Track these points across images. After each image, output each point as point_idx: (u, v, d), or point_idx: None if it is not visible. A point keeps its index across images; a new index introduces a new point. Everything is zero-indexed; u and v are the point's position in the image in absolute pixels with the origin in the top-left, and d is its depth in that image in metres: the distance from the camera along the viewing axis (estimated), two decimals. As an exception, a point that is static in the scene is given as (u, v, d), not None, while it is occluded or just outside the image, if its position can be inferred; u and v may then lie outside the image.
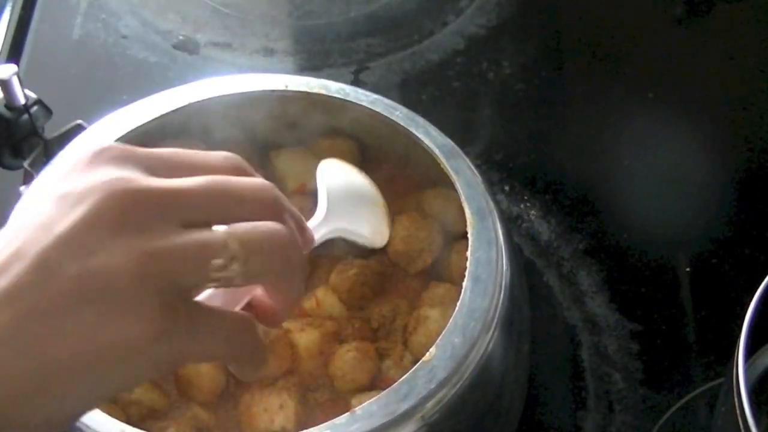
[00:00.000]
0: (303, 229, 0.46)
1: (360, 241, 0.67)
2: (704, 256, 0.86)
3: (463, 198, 0.64)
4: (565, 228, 0.87)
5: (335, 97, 0.71)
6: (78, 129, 0.70)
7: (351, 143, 0.74)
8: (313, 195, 0.71)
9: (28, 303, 0.36)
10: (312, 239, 0.50)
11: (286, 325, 0.64)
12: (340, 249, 0.70)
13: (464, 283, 0.60)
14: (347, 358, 0.63)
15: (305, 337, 0.64)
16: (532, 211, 0.88)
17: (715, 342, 0.80)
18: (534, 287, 0.80)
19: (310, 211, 0.70)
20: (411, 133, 0.68)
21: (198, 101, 0.70)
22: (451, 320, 0.58)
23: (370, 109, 0.70)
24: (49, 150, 0.69)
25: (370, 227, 0.67)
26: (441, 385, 0.56)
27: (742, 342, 0.58)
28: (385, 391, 0.55)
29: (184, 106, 0.70)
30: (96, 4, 1.07)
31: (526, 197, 0.89)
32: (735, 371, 0.57)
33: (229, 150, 0.45)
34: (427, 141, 0.67)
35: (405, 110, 0.69)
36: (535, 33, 1.09)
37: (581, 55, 1.05)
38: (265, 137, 0.73)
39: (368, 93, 0.71)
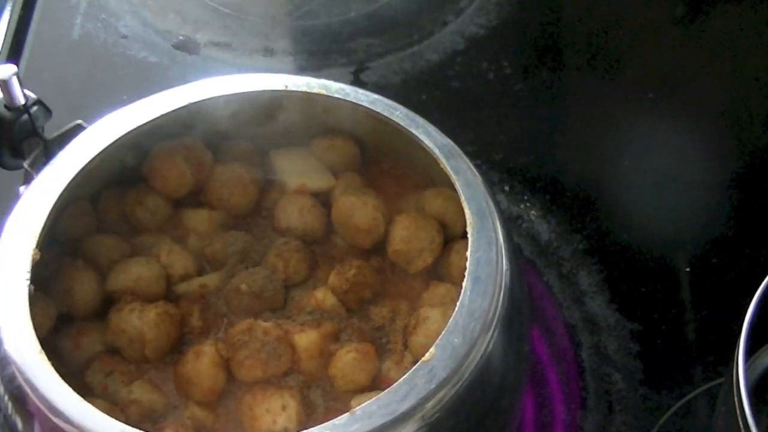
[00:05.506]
0: None
1: None
2: (704, 256, 0.86)
3: (463, 198, 0.64)
4: (565, 228, 0.87)
5: (335, 97, 0.70)
6: (78, 129, 0.70)
7: (351, 143, 0.74)
8: (313, 195, 0.71)
9: None
10: None
11: (286, 325, 0.64)
12: (340, 249, 0.70)
13: (464, 283, 0.59)
14: (347, 358, 0.62)
15: (305, 338, 0.64)
16: (532, 211, 0.88)
17: (715, 342, 0.80)
18: (534, 287, 0.80)
19: (309, 211, 0.70)
20: (411, 133, 0.68)
21: (198, 101, 0.70)
22: (451, 320, 0.58)
23: (370, 109, 0.69)
24: (49, 150, 0.69)
25: None
26: (441, 385, 0.56)
27: (742, 342, 0.58)
28: (385, 391, 0.55)
29: (184, 106, 0.69)
30: (96, 4, 1.07)
31: (526, 197, 0.89)
32: (735, 371, 0.57)
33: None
34: (427, 141, 0.67)
35: (405, 110, 0.69)
36: (535, 33, 1.09)
37: (581, 55, 1.06)
38: (265, 137, 0.73)
39: (368, 93, 0.71)
